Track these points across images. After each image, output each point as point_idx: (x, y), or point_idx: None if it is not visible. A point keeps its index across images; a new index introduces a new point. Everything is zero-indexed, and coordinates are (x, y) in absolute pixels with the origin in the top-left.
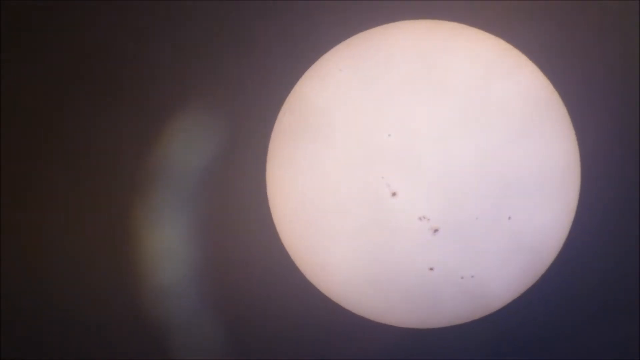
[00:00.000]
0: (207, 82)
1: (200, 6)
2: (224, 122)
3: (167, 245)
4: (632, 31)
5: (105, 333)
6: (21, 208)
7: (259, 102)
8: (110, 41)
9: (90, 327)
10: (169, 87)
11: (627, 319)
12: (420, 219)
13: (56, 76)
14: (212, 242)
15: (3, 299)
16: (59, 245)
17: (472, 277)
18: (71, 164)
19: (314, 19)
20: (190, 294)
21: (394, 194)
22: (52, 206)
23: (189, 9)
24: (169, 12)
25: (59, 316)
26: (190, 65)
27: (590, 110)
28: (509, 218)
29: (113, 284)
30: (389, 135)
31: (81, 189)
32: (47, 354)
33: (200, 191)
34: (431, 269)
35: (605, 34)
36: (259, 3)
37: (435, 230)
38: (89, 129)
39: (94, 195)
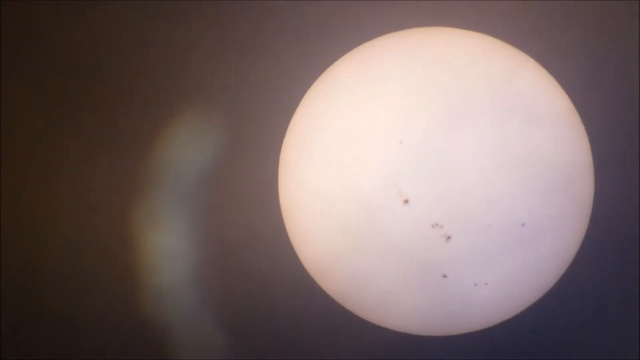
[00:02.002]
0: (220, 83)
1: (213, 7)
2: (236, 125)
3: (176, 246)
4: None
5: (109, 334)
6: (20, 208)
7: (272, 105)
8: (117, 41)
9: (95, 327)
10: (181, 87)
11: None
12: (433, 226)
13: (62, 75)
14: (220, 244)
15: (2, 299)
16: (69, 241)
17: (486, 284)
18: (74, 163)
19: (327, 25)
20: (197, 294)
21: (406, 201)
22: (62, 206)
23: (201, 9)
24: (182, 12)
25: (58, 316)
26: (203, 65)
27: (604, 117)
28: (523, 225)
29: (117, 284)
30: (401, 142)
31: (83, 189)
32: (46, 355)
33: (209, 193)
34: (444, 276)
35: (617, 37)
36: (274, 5)
37: (449, 238)
38: (90, 129)
39: (98, 194)
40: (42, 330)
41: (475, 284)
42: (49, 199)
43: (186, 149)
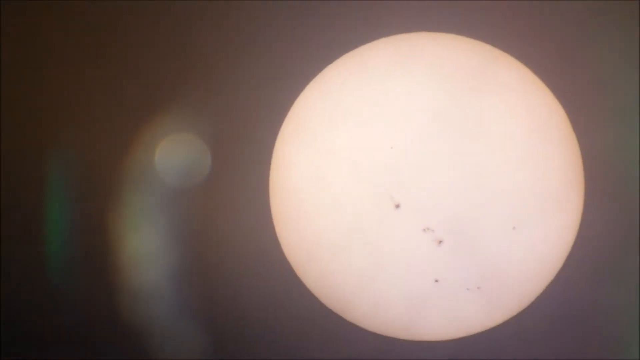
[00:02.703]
0: (212, 85)
1: (206, 7)
2: (229, 126)
3: (165, 244)
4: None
5: (97, 336)
6: (9, 207)
7: (265, 108)
8: (110, 41)
9: (82, 329)
10: (175, 88)
11: (632, 329)
12: (424, 230)
13: (62, 75)
14: (212, 242)
15: None
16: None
17: (478, 288)
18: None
19: (321, 29)
20: (183, 293)
21: (397, 206)
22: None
23: (195, 10)
24: (176, 12)
25: (40, 317)
26: (195, 67)
27: (592, 119)
28: (514, 228)
29: (104, 286)
30: (392, 147)
31: (78, 188)
32: (31, 355)
33: (200, 195)
34: (436, 280)
35: (607, 39)
36: (268, 6)
37: (440, 242)
38: (88, 128)
39: (90, 194)
40: (24, 331)
41: (467, 288)
42: (37, 195)
43: (176, 148)
